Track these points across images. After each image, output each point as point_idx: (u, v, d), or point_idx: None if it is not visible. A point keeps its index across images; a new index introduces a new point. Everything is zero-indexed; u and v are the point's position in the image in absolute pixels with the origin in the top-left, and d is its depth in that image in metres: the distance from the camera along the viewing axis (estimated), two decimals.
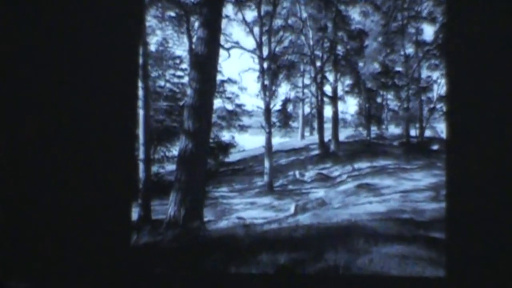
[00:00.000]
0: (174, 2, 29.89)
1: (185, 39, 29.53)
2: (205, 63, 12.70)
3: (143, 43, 16.70)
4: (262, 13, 28.81)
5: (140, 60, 15.97)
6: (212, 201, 22.10)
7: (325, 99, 36.90)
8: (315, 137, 42.25)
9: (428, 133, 38.79)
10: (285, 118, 48.11)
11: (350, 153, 33.12)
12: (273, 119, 37.50)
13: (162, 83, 35.07)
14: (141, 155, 16.40)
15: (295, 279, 6.46)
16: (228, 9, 32.89)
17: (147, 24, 26.31)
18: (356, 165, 29.20)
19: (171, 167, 28.66)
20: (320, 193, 21.86)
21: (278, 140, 48.64)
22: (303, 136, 49.84)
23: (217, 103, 36.26)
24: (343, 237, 7.30)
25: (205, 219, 14.64)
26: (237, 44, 29.53)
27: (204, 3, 13.18)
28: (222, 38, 22.45)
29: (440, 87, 36.04)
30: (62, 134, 1.19)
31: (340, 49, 37.36)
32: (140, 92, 15.91)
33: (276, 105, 39.26)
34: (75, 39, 1.20)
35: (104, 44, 1.26)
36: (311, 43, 34.62)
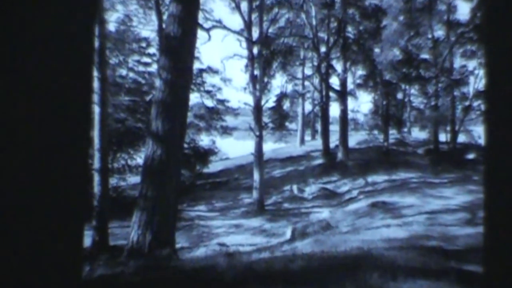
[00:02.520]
0: None
1: (154, 17, 29.58)
2: (178, 47, 12.61)
3: (99, 21, 16.62)
4: None
5: (96, 43, 15.90)
6: (187, 223, 22.09)
7: (331, 94, 37.09)
8: (318, 143, 42.35)
9: (462, 138, 39.01)
10: (280, 117, 48.26)
11: (363, 163, 33.28)
12: (265, 119, 37.57)
13: (123, 72, 35.14)
14: (96, 163, 16.24)
15: None
16: None
17: None
18: (370, 179, 29.32)
19: (134, 179, 28.68)
20: (324, 213, 21.92)
21: (271, 146, 48.92)
22: (302, 141, 50.07)
23: (194, 98, 36.48)
24: (352, 270, 7.30)
25: (178, 246, 14.59)
26: (219, 24, 29.60)
27: None
28: (200, 15, 22.44)
29: (478, 80, 36.41)
30: None
31: (350, 30, 37.59)
32: (96, 84, 15.80)
33: (269, 101, 39.56)
34: (6, 14, 1.15)
35: (47, 21, 1.22)
36: (314, 22, 34.77)
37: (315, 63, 40.33)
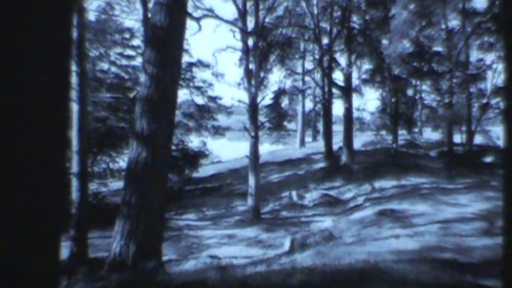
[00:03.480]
0: None
1: (138, 5, 29.56)
2: (165, 38, 12.59)
3: (78, 10, 16.59)
4: None
5: (74, 34, 15.86)
6: (175, 233, 22.05)
7: (335, 90, 37.11)
8: (320, 144, 42.41)
9: (478, 139, 39.02)
10: (278, 116, 48.37)
11: (369, 166, 33.29)
12: (261, 118, 37.57)
13: (105, 66, 35.10)
14: (74, 167, 16.19)
15: None
16: None
17: None
18: (377, 184, 29.32)
19: (117, 184, 28.64)
20: (326, 222, 21.91)
21: (268, 148, 49.05)
22: (303, 143, 50.14)
23: (183, 95, 36.54)
24: (358, 285, 7.30)
25: (165, 258, 14.57)
26: (210, 13, 29.56)
27: None
28: (189, 3, 22.43)
29: (496, 75, 36.40)
30: None
31: (355, 20, 37.61)
32: (74, 79, 15.76)
33: (266, 98, 39.47)
34: None
35: (20, 10, 1.21)
36: (315, 11, 34.81)
37: (317, 56, 40.32)
